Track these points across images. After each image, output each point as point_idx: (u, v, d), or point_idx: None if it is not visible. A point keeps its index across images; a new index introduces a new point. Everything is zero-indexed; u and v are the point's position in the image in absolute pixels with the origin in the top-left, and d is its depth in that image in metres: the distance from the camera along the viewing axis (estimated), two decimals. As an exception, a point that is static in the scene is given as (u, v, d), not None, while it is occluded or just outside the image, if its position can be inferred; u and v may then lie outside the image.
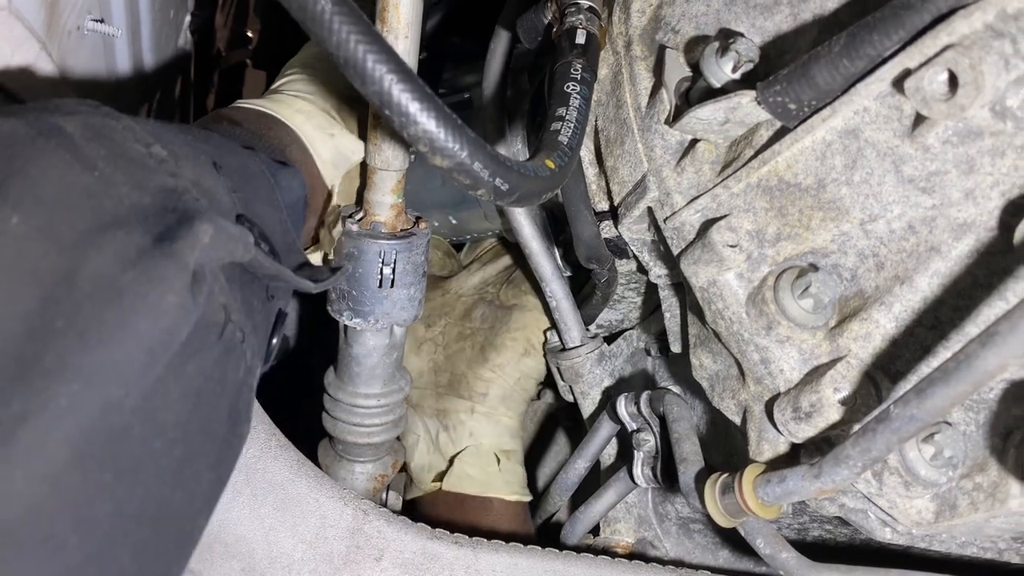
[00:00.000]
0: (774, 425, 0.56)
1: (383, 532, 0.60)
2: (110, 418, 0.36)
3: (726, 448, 0.74)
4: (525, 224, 0.79)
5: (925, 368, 0.51)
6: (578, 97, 0.58)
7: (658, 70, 0.60)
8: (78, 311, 0.36)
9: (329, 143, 0.69)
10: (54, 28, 0.70)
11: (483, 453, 0.83)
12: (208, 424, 0.43)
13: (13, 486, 0.32)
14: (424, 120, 0.45)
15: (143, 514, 0.38)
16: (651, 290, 0.82)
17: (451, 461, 0.84)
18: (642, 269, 0.73)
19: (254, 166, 0.56)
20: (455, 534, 0.62)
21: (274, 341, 0.53)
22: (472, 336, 0.88)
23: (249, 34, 1.63)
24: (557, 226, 0.81)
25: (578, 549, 0.66)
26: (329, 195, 0.71)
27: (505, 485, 0.82)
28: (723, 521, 0.56)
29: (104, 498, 0.36)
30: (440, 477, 0.84)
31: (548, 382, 0.98)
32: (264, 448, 0.60)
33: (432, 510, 0.84)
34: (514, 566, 0.62)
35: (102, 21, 0.80)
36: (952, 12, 0.43)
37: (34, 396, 0.33)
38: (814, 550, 0.66)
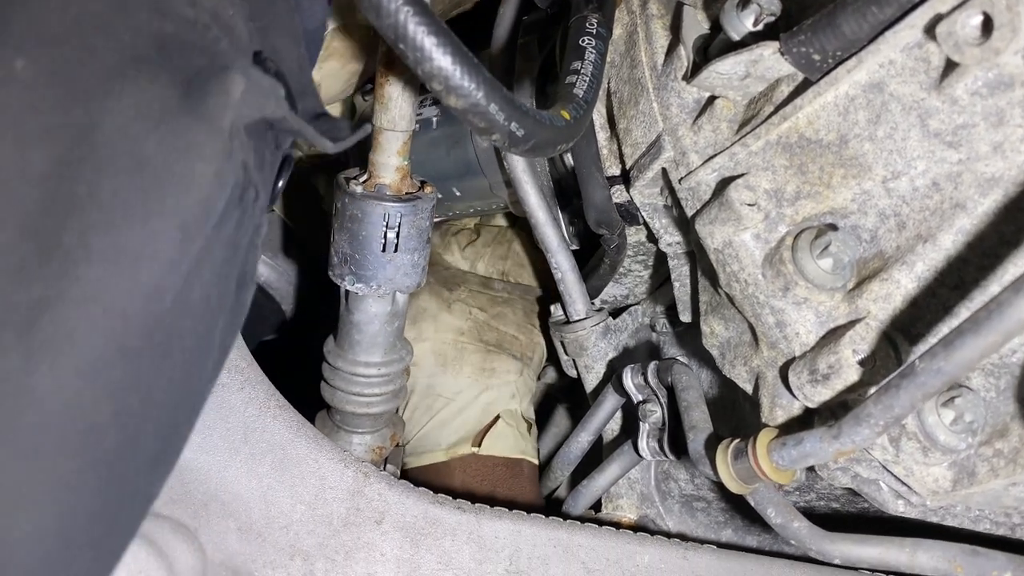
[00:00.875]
0: (789, 390, 0.54)
1: (384, 495, 0.58)
2: (151, 306, 0.33)
3: (732, 423, 0.72)
4: (531, 193, 0.77)
5: (946, 329, 0.50)
6: (593, 51, 0.57)
7: (675, 26, 0.59)
8: (99, 178, 0.31)
9: None
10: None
11: (518, 417, 0.82)
12: (223, 296, 0.39)
13: (37, 380, 0.29)
14: (439, 56, 0.43)
15: (168, 397, 0.36)
16: (657, 264, 0.81)
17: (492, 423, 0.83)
18: (651, 239, 0.71)
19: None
20: (457, 500, 0.60)
21: (279, 184, 0.48)
22: (509, 302, 0.87)
23: None
24: (564, 197, 0.80)
25: (582, 520, 0.64)
26: None
27: (533, 450, 0.81)
28: (735, 487, 0.54)
29: (139, 386, 0.33)
30: (477, 442, 0.82)
31: (548, 359, 0.97)
32: (263, 408, 0.59)
33: (463, 474, 0.82)
34: (517, 533, 0.60)
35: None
36: (988, -46, 0.42)
37: (55, 280, 0.30)
38: (821, 525, 0.64)
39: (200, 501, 0.54)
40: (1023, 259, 0.46)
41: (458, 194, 0.89)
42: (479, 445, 0.82)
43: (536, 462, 0.83)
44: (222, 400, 0.57)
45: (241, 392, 0.59)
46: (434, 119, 0.86)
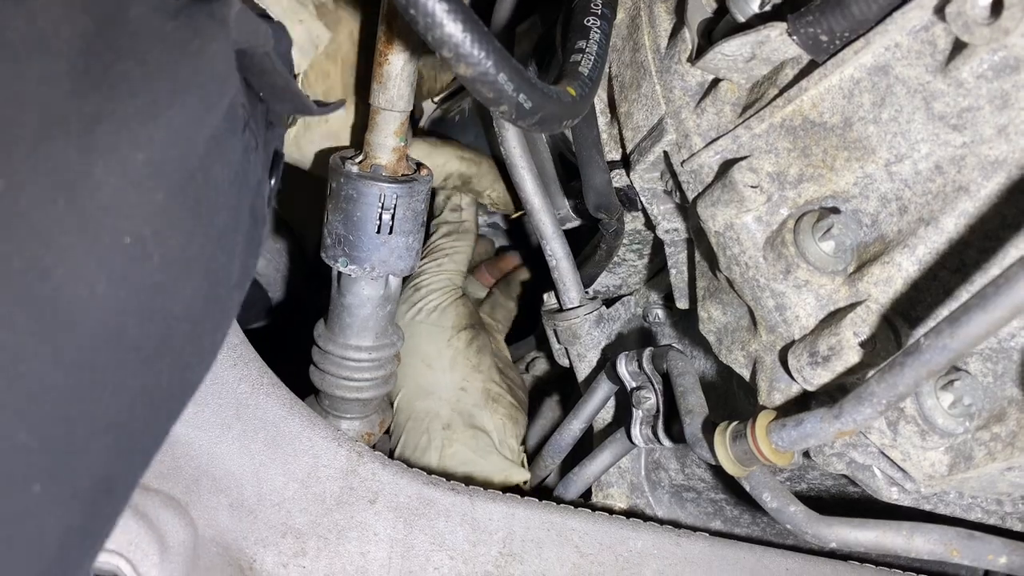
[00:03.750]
0: (788, 373, 0.54)
1: (378, 475, 0.57)
2: (180, 148, 0.36)
3: (725, 412, 0.72)
4: (527, 179, 0.77)
5: (946, 312, 0.50)
6: (598, 31, 0.57)
7: (680, 9, 0.59)
8: (133, 42, 0.36)
9: (298, 28, 0.67)
10: None
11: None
12: (238, 208, 0.43)
13: (94, 172, 0.33)
14: (450, 23, 0.43)
15: (200, 259, 0.39)
16: (651, 254, 0.81)
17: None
18: (648, 226, 0.71)
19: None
20: (451, 481, 0.60)
21: (272, 182, 0.52)
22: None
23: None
24: (569, 172, 0.79)
25: (575, 505, 0.64)
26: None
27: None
28: (733, 469, 0.54)
29: (176, 227, 0.36)
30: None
31: (539, 348, 0.97)
32: (256, 385, 0.58)
33: None
34: (511, 516, 0.59)
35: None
36: (999, -66, 0.42)
37: (105, 101, 0.34)
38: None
39: (191, 476, 0.53)
40: (1025, 242, 0.47)
41: None
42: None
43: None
44: (214, 376, 0.56)
45: (234, 369, 0.58)
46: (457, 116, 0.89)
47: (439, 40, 0.43)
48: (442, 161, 0.83)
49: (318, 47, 0.68)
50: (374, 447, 0.81)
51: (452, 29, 0.43)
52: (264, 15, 0.57)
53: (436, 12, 0.42)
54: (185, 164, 0.37)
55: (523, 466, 0.81)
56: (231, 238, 0.42)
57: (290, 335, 0.90)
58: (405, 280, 0.82)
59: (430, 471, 0.70)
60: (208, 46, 0.38)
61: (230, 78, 0.40)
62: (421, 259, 0.87)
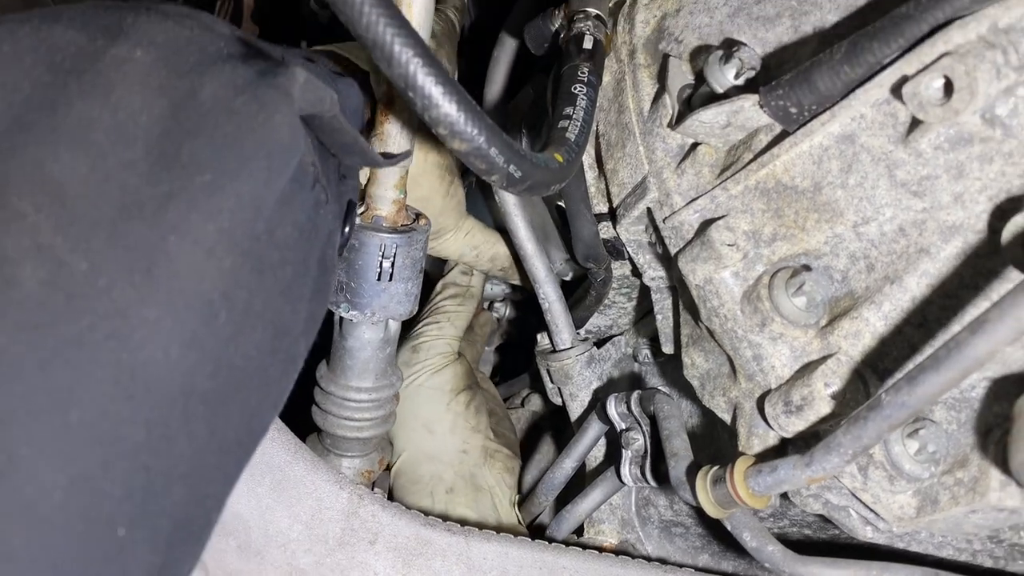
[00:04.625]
0: (765, 420, 0.57)
1: (378, 516, 0.60)
2: (248, 214, 0.40)
3: (711, 452, 0.75)
4: (521, 227, 0.80)
5: (911, 365, 0.53)
6: (584, 98, 0.60)
7: (662, 76, 0.63)
8: (204, 120, 0.41)
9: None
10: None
11: None
12: (306, 260, 0.47)
13: (168, 247, 0.37)
14: (445, 104, 0.46)
15: (264, 313, 0.42)
16: (640, 297, 0.84)
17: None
18: (635, 272, 0.75)
19: (313, 71, 0.60)
20: (447, 522, 0.63)
21: (347, 230, 0.56)
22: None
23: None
24: (567, 225, 0.83)
25: (566, 543, 0.67)
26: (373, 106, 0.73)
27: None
28: (713, 512, 0.57)
29: (242, 286, 0.40)
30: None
31: (534, 387, 1.00)
32: (262, 430, 0.61)
33: None
34: (505, 555, 0.62)
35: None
36: (949, 23, 0.46)
37: (176, 180, 0.38)
38: (794, 551, 0.67)
39: (201, 519, 0.56)
40: (981, 301, 0.50)
41: None
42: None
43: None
44: (223, 422, 0.59)
45: (241, 415, 0.61)
46: None
47: (435, 119, 0.47)
48: (494, 239, 0.89)
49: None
50: (374, 484, 0.84)
51: (448, 109, 0.46)
52: (331, 74, 0.62)
53: (433, 94, 0.46)
54: (253, 228, 0.41)
55: (517, 512, 0.85)
56: (296, 290, 0.46)
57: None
58: (405, 325, 0.85)
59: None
60: (272, 118, 0.43)
61: (295, 144, 0.44)
62: (422, 319, 0.90)
